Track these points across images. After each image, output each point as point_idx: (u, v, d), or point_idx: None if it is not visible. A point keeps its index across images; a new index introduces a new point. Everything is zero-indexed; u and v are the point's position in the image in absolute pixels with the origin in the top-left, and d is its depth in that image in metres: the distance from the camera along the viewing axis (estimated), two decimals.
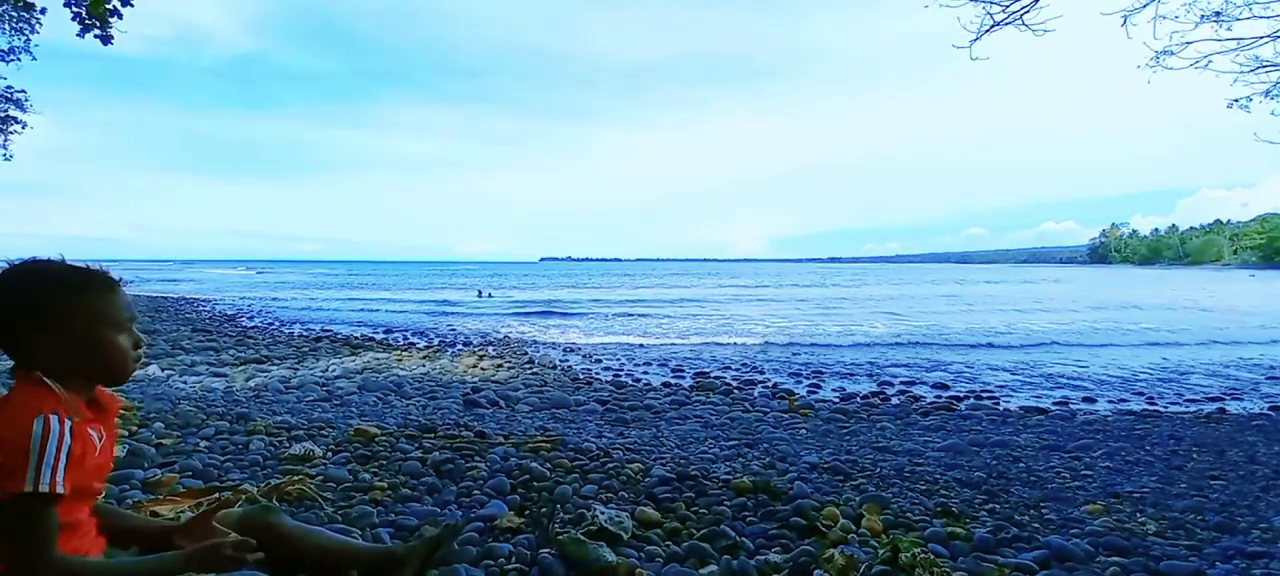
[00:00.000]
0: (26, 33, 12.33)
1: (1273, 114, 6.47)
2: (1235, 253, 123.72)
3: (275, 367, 8.36)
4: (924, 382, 8.50)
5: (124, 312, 1.21)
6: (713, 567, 2.31)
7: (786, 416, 5.94)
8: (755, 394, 7.35)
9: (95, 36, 5.49)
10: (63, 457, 1.05)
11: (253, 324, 15.49)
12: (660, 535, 2.59)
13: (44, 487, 1.03)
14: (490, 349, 11.45)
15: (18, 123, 14.19)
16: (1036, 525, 2.98)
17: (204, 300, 24.75)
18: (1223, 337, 14.01)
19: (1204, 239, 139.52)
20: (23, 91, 13.94)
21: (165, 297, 25.34)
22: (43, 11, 8.02)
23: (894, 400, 7.15)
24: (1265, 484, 3.79)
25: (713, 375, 8.78)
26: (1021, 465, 4.14)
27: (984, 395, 7.54)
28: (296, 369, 8.28)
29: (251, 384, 7.05)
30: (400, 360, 9.32)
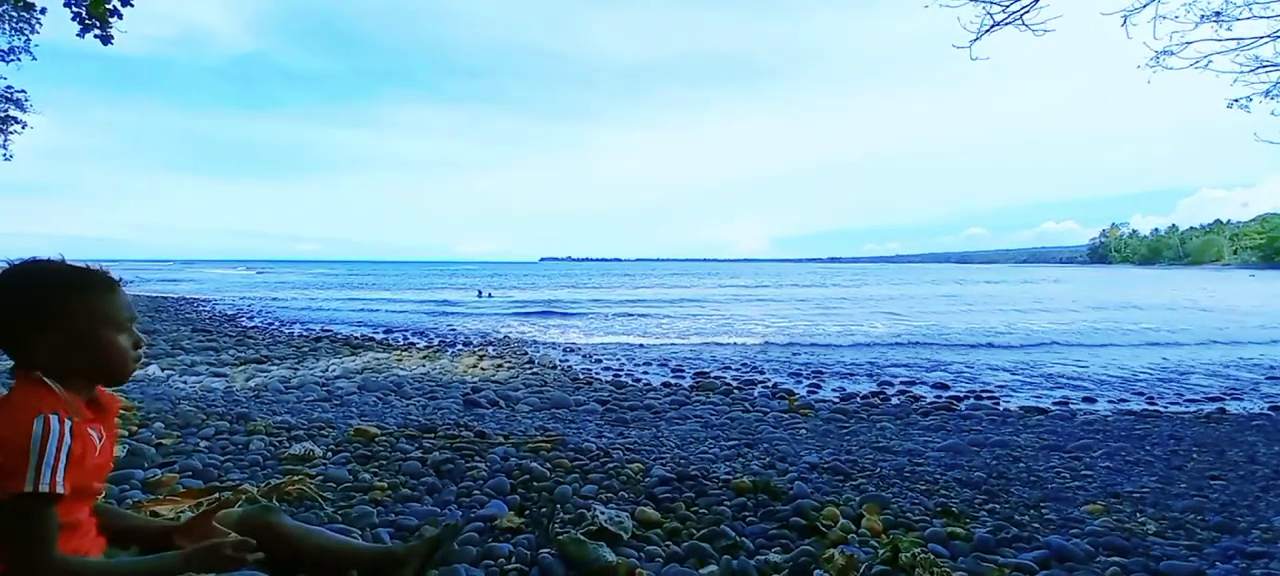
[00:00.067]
0: (27, 33, 12.33)
1: (1273, 114, 6.47)
2: (1235, 253, 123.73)
3: (275, 368, 8.36)
4: (924, 382, 8.50)
5: (124, 313, 1.21)
6: (713, 567, 2.31)
7: (786, 416, 5.94)
8: (755, 394, 7.35)
9: (95, 36, 5.49)
10: (63, 457, 1.05)
11: (253, 324, 15.49)
12: (660, 535, 2.59)
13: (44, 487, 1.03)
14: (490, 349, 11.45)
15: (18, 123, 14.20)
16: (1036, 525, 2.98)
17: (204, 300, 24.75)
18: (1223, 338, 14.01)
19: (1204, 239, 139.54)
20: (23, 91, 13.94)
21: (165, 297, 25.35)
22: (43, 11, 8.02)
23: (894, 400, 7.15)
24: (1265, 484, 3.79)
25: (713, 375, 8.78)
26: (1021, 465, 4.14)
27: (984, 395, 7.54)
28: (296, 369, 8.28)
29: (251, 384, 7.05)
30: (400, 360, 9.32)
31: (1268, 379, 8.83)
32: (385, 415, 5.15)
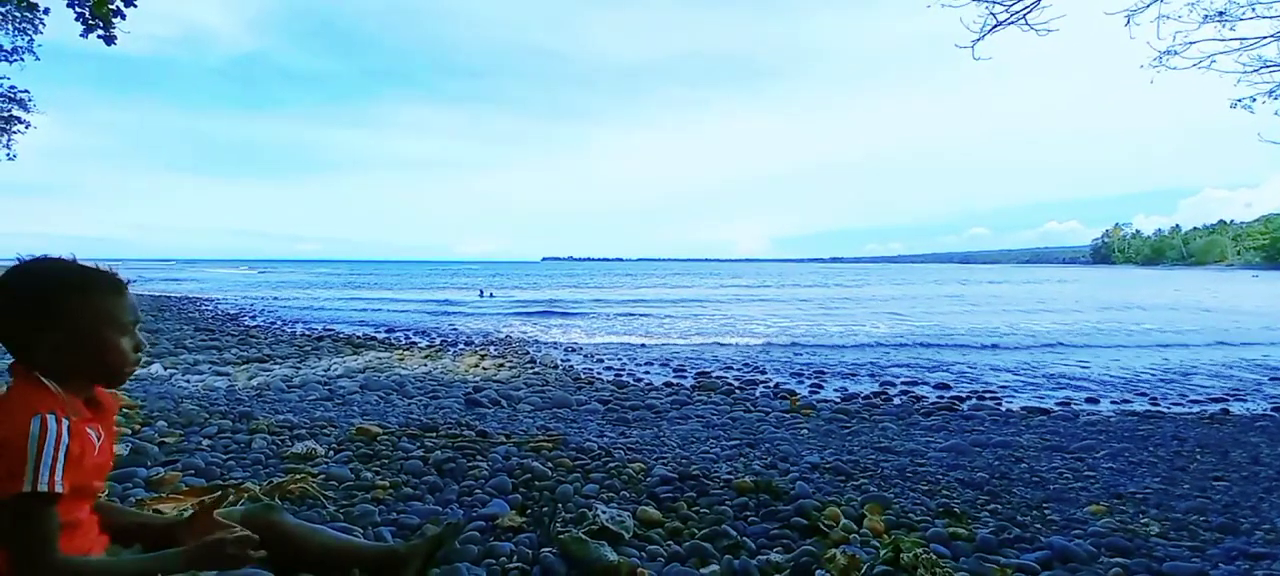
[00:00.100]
0: (30, 33, 12.38)
1: (1276, 114, 6.46)
2: (1239, 253, 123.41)
3: (278, 366, 8.37)
4: (926, 383, 8.48)
5: (127, 315, 1.21)
6: (714, 567, 2.31)
7: (788, 416, 5.93)
8: (757, 394, 7.34)
9: (98, 37, 5.51)
10: (61, 457, 1.05)
11: (255, 323, 15.51)
12: (662, 534, 2.59)
13: (42, 487, 1.03)
14: (492, 348, 11.45)
15: (21, 122, 14.26)
16: (1039, 526, 2.98)
17: (206, 299, 24.79)
18: (1226, 338, 13.96)
19: (1207, 239, 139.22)
20: (26, 91, 14.01)
21: (168, 297, 25.40)
22: (46, 12, 8.05)
23: (896, 400, 7.13)
24: (1269, 485, 3.78)
25: (714, 375, 8.78)
26: (1024, 465, 4.13)
27: (986, 395, 7.52)
28: (299, 368, 8.29)
29: (254, 383, 7.06)
30: (402, 359, 9.33)
31: (1271, 380, 8.80)
32: (387, 414, 5.15)
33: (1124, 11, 5.59)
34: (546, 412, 5.81)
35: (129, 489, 2.74)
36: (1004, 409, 6.68)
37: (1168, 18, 5.59)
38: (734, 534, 2.59)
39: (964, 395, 7.56)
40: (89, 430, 1.15)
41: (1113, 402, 7.23)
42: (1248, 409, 6.86)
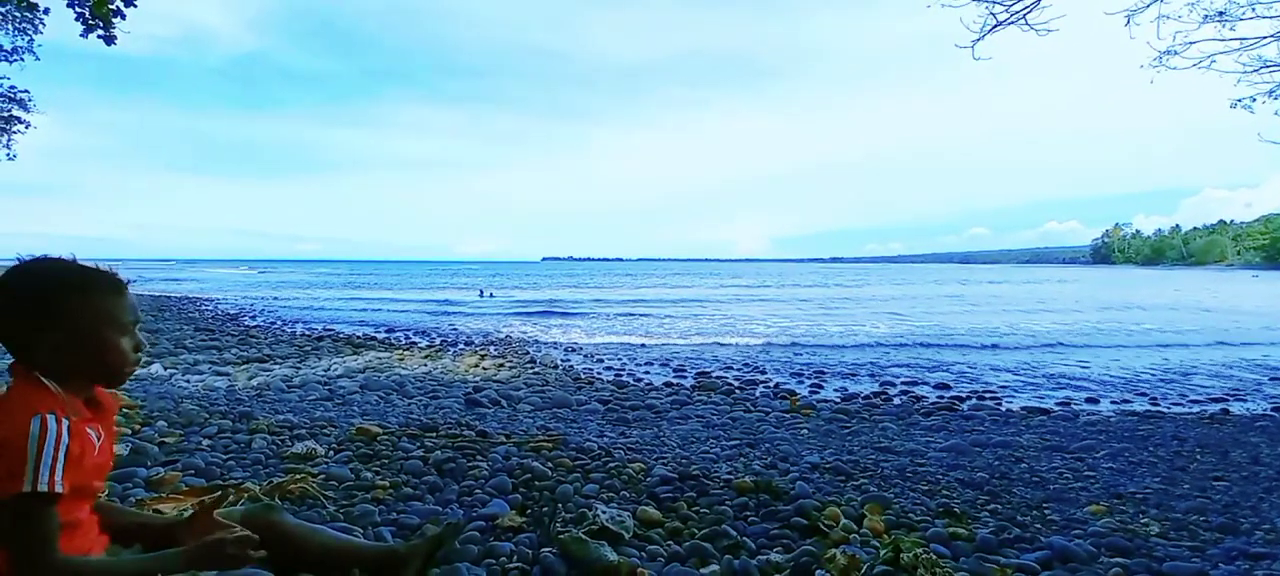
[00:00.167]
0: (30, 33, 12.39)
1: (1276, 114, 6.47)
2: (1239, 253, 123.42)
3: (278, 366, 8.37)
4: (926, 383, 8.48)
5: (127, 315, 1.21)
6: (714, 567, 2.31)
7: (788, 416, 5.93)
8: (757, 394, 7.34)
9: (99, 37, 5.51)
10: (61, 457, 1.05)
11: (255, 323, 15.51)
12: (662, 534, 2.59)
13: (42, 487, 1.03)
14: (492, 348, 11.45)
15: (21, 122, 14.27)
16: (1039, 526, 2.98)
17: (206, 299, 24.79)
18: (1226, 338, 13.96)
19: (1207, 240, 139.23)
20: (26, 91, 14.01)
21: (168, 296, 25.40)
22: (46, 12, 8.05)
23: (896, 400, 7.13)
24: (1269, 485, 3.78)
25: (714, 375, 8.78)
26: (1024, 465, 4.13)
27: (986, 395, 7.52)
28: (299, 368, 8.29)
29: (254, 382, 7.06)
30: (402, 359, 9.33)
31: (1271, 380, 8.80)
32: (387, 414, 5.15)
33: (1124, 11, 5.60)
34: (546, 412, 5.81)
35: (129, 489, 2.74)
36: (1004, 409, 6.68)
37: (1168, 18, 5.60)
38: (734, 534, 2.59)
39: (964, 395, 7.56)
40: (89, 430, 1.15)
41: (1113, 402, 7.23)
42: (1248, 409, 6.86)
